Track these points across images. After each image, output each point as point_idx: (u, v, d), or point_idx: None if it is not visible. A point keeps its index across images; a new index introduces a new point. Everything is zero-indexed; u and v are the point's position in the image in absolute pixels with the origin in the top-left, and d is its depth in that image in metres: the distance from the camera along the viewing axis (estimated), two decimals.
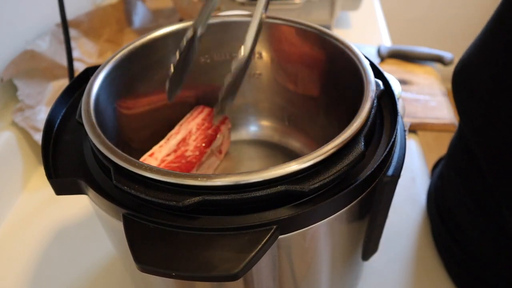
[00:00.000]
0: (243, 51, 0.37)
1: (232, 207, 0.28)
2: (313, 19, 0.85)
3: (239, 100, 0.52)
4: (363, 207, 0.33)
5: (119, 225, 0.28)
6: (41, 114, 0.60)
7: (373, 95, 0.34)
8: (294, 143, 0.53)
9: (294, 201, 0.29)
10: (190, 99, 0.51)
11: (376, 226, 0.36)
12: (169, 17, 0.85)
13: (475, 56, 0.41)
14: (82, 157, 0.34)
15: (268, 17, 0.45)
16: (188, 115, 0.49)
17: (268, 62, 0.49)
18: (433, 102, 0.72)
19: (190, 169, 0.45)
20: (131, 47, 0.41)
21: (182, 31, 0.44)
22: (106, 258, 0.51)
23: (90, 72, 0.40)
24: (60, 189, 0.33)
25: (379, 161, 0.31)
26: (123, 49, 0.41)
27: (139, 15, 0.82)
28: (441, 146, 0.64)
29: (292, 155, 0.52)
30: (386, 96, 0.37)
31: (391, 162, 0.32)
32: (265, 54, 0.48)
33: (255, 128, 0.55)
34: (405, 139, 0.35)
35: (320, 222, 0.30)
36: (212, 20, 0.45)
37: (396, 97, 0.36)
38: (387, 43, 0.90)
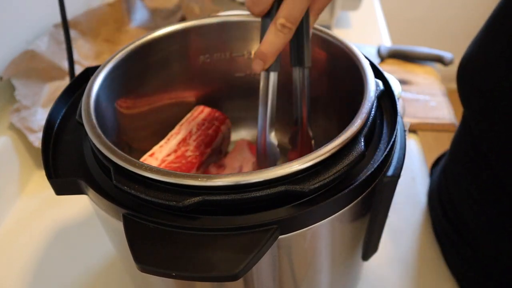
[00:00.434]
0: (306, 62, 0.38)
1: (232, 207, 0.28)
2: None
3: (239, 100, 0.52)
4: (363, 207, 0.33)
5: (119, 225, 0.28)
6: (37, 115, 0.60)
7: (373, 95, 0.34)
8: None
9: (294, 201, 0.29)
10: (190, 99, 0.51)
11: (376, 226, 0.36)
12: (168, 16, 0.85)
13: (478, 51, 0.41)
14: (82, 157, 0.34)
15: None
16: (188, 115, 0.49)
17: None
18: (433, 102, 0.72)
19: (190, 169, 0.44)
20: (131, 47, 0.41)
21: (182, 31, 0.44)
22: (106, 258, 0.51)
23: (90, 72, 0.40)
24: (60, 189, 0.33)
25: (379, 161, 0.31)
26: (123, 49, 0.41)
27: (138, 14, 0.82)
28: (441, 146, 0.64)
29: None
30: (386, 96, 0.37)
31: (391, 162, 0.32)
32: None
33: (255, 128, 0.55)
34: (405, 139, 0.35)
35: (320, 222, 0.30)
36: (212, 20, 0.45)
37: (396, 97, 0.36)
38: (387, 43, 0.90)
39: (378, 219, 0.35)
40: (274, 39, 0.34)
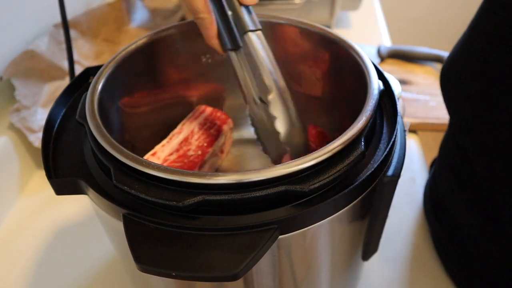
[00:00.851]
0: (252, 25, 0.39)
1: (232, 207, 0.28)
2: (313, 19, 0.85)
3: (241, 100, 0.52)
4: (363, 207, 0.33)
5: (119, 225, 0.28)
6: (37, 115, 0.60)
7: (377, 95, 0.34)
8: None
9: (294, 201, 0.29)
10: (192, 99, 0.51)
11: (376, 226, 0.36)
12: (168, 16, 0.85)
13: (460, 53, 0.41)
14: (82, 157, 0.34)
15: (272, 17, 0.45)
16: (190, 115, 0.49)
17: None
18: (433, 102, 0.72)
19: (192, 169, 0.45)
20: (133, 47, 0.41)
21: (184, 31, 0.44)
22: (106, 258, 0.51)
23: (90, 72, 0.40)
24: (60, 189, 0.33)
25: (379, 161, 0.31)
26: (125, 48, 0.41)
27: (138, 14, 0.82)
28: None
29: None
30: (386, 96, 0.37)
31: (391, 162, 0.32)
32: None
33: None
34: (405, 139, 0.35)
35: (320, 222, 0.30)
36: None
37: (396, 97, 0.36)
38: (387, 43, 0.90)
39: (378, 219, 0.35)
40: None
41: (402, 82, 0.76)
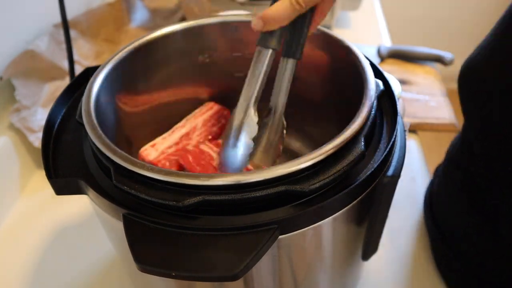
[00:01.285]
0: (299, 54, 0.39)
1: (232, 207, 0.28)
2: None
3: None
4: (363, 207, 0.33)
5: (119, 225, 0.28)
6: (37, 115, 0.60)
7: (373, 95, 0.34)
8: (294, 143, 0.53)
9: (294, 201, 0.29)
10: (190, 99, 0.51)
11: (376, 226, 0.36)
12: (168, 16, 0.85)
13: (482, 58, 0.40)
14: (82, 157, 0.34)
15: None
16: (197, 110, 0.49)
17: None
18: (433, 102, 0.72)
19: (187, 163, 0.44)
20: (131, 47, 0.41)
21: (182, 31, 0.44)
22: (106, 258, 0.51)
23: (90, 72, 0.40)
24: (60, 189, 0.33)
25: (379, 161, 0.31)
26: (123, 49, 0.41)
27: (138, 14, 0.82)
28: (441, 146, 0.64)
29: (292, 155, 0.52)
30: (386, 96, 0.37)
31: (391, 162, 0.32)
32: None
33: None
34: (405, 139, 0.35)
35: (320, 222, 0.30)
36: (212, 20, 0.45)
37: (396, 97, 0.36)
38: (387, 43, 0.90)
39: (378, 219, 0.35)
40: (283, 9, 0.35)
41: (402, 82, 0.76)
